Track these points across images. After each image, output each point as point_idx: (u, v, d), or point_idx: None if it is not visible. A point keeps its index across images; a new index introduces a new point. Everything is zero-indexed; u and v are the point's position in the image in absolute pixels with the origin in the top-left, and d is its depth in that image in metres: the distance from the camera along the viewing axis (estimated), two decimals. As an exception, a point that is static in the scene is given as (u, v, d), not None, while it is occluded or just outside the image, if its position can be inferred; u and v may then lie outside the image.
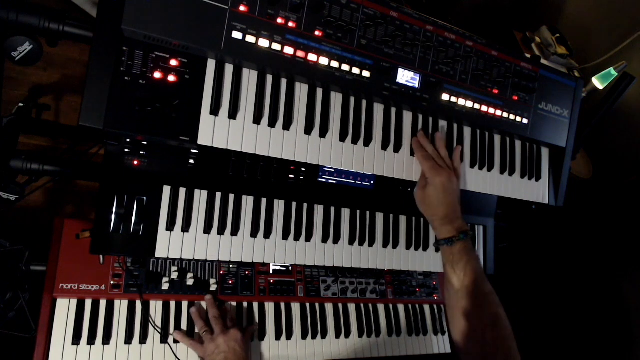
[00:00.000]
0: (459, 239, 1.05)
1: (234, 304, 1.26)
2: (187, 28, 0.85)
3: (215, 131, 0.91)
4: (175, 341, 1.15)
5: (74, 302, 1.11)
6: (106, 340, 1.10)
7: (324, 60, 0.98)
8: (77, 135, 1.66)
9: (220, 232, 1.07)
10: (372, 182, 1.30)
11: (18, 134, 1.28)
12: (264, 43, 0.92)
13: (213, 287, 1.24)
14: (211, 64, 0.92)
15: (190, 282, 1.21)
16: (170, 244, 1.02)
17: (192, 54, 0.90)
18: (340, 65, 1.00)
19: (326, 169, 1.23)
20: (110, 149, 1.00)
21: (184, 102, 0.89)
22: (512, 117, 1.24)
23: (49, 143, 2.05)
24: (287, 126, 0.98)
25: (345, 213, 1.24)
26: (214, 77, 0.92)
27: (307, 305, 1.34)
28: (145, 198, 1.01)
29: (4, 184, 1.12)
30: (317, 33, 0.97)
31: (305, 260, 1.16)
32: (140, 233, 1.00)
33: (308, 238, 1.17)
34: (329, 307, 1.37)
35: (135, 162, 1.02)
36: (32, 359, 1.04)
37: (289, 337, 1.28)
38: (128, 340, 1.12)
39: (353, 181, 1.27)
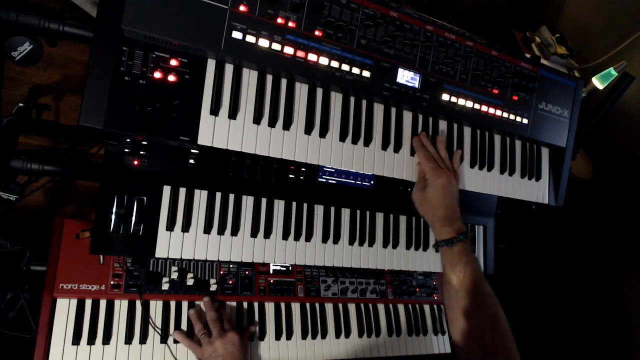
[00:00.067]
0: (459, 240, 1.05)
1: (234, 304, 1.26)
2: (187, 28, 0.85)
3: (215, 131, 0.91)
4: (175, 341, 1.16)
5: (74, 302, 1.11)
6: (106, 340, 1.10)
7: (324, 60, 0.98)
8: (77, 135, 1.66)
9: (220, 232, 1.07)
10: (372, 182, 1.30)
11: (18, 134, 1.28)
12: (264, 43, 0.92)
13: (213, 287, 1.24)
14: (211, 64, 0.92)
15: (190, 282, 1.21)
16: (170, 244, 1.02)
17: (192, 54, 0.90)
18: (340, 65, 1.00)
19: (326, 169, 1.23)
20: (110, 149, 1.00)
21: (184, 102, 0.89)
22: (512, 117, 1.24)
23: (49, 143, 2.05)
24: (287, 126, 0.98)
25: (345, 213, 1.24)
26: (214, 77, 0.92)
27: (307, 305, 1.34)
28: (145, 198, 1.01)
29: (4, 184, 1.12)
30: (317, 33, 0.97)
31: (305, 260, 1.16)
32: (140, 233, 1.00)
33: (308, 238, 1.17)
34: (329, 307, 1.37)
35: (135, 162, 1.02)
36: (32, 359, 1.04)
37: (289, 337, 1.28)
38: (128, 340, 1.12)
39: (353, 181, 1.27)
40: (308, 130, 1.00)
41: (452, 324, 1.04)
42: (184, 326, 1.18)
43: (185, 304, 1.20)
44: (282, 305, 1.31)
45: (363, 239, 1.25)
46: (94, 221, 0.97)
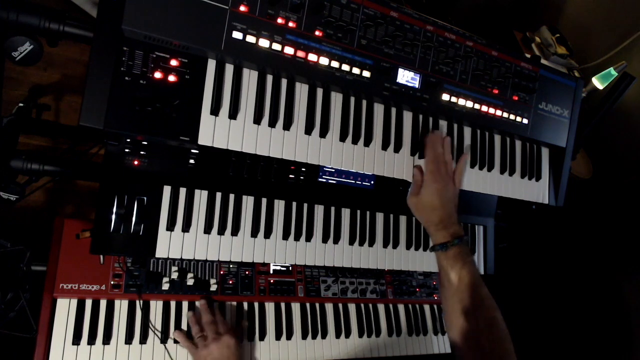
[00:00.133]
0: (453, 244, 1.05)
1: (234, 304, 1.26)
2: (187, 28, 0.85)
3: (216, 131, 0.91)
4: (176, 341, 1.15)
5: (74, 302, 1.11)
6: (106, 340, 1.10)
7: (324, 60, 0.98)
8: (77, 135, 1.67)
9: (221, 232, 1.07)
10: (372, 182, 1.30)
11: (18, 134, 1.28)
12: (264, 43, 0.92)
13: (213, 287, 1.24)
14: (211, 64, 0.92)
15: (190, 282, 1.21)
16: (171, 244, 1.02)
17: (193, 54, 0.90)
18: (340, 65, 1.00)
19: (326, 169, 1.23)
20: (110, 149, 1.00)
21: (184, 102, 0.89)
22: (512, 117, 1.24)
23: (49, 143, 2.05)
24: (287, 126, 0.98)
25: (346, 213, 1.24)
26: (214, 77, 0.92)
27: (307, 305, 1.34)
28: (145, 198, 1.01)
29: (4, 184, 1.12)
30: (317, 33, 0.97)
31: (305, 260, 1.16)
32: (141, 233, 1.00)
33: (308, 238, 1.17)
34: (329, 307, 1.37)
35: (136, 162, 1.02)
36: (32, 359, 1.04)
37: (289, 337, 1.28)
38: (128, 340, 1.12)
39: (353, 181, 1.27)
40: (308, 130, 1.00)
41: (450, 327, 1.04)
42: (184, 326, 1.18)
43: (185, 304, 1.20)
44: (282, 305, 1.31)
45: (363, 239, 1.25)
46: (94, 221, 0.98)
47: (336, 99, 1.05)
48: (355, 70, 1.02)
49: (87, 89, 0.80)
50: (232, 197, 1.11)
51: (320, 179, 1.23)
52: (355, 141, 1.05)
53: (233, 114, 0.93)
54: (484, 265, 1.47)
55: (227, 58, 0.92)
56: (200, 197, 1.07)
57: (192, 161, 1.08)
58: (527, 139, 1.31)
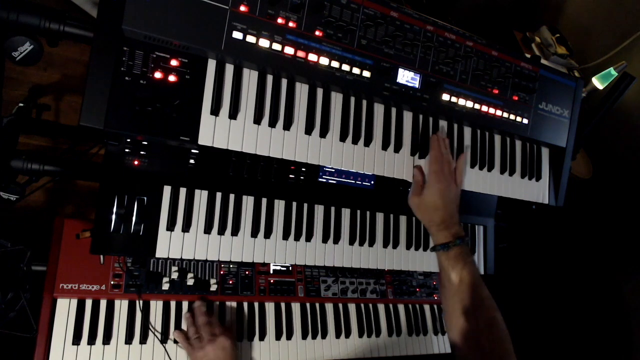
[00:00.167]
0: (455, 244, 1.05)
1: (234, 303, 1.26)
2: (187, 28, 0.85)
3: (216, 131, 0.92)
4: (176, 341, 1.15)
5: (74, 302, 1.11)
6: (106, 340, 1.10)
7: (324, 60, 0.98)
8: (77, 135, 1.66)
9: (221, 232, 1.07)
10: (372, 182, 1.30)
11: (18, 134, 1.28)
12: (264, 43, 0.92)
13: (213, 287, 1.24)
14: (212, 64, 0.92)
15: (190, 282, 1.21)
16: (171, 244, 1.02)
17: (193, 54, 0.90)
18: (340, 65, 1.00)
19: (326, 169, 1.23)
20: (110, 149, 1.00)
21: (184, 102, 0.89)
22: (512, 117, 1.24)
23: (49, 143, 2.05)
24: (287, 126, 0.98)
25: (346, 213, 1.24)
26: (214, 77, 0.92)
27: (307, 305, 1.34)
28: (145, 198, 1.01)
29: (4, 184, 1.12)
30: (317, 33, 0.97)
31: (305, 260, 1.16)
32: (141, 233, 1.00)
33: (308, 238, 1.17)
34: (329, 307, 1.37)
35: (136, 162, 1.02)
36: (32, 359, 1.04)
37: (289, 337, 1.28)
38: (128, 340, 1.12)
39: (353, 181, 1.27)
40: (308, 130, 1.00)
41: (450, 327, 1.04)
42: (184, 326, 1.18)
43: (185, 304, 1.20)
44: (282, 305, 1.31)
45: (363, 239, 1.25)
46: (94, 221, 0.98)
47: (336, 99, 1.05)
48: (356, 70, 1.02)
49: (87, 89, 0.80)
50: (232, 197, 1.11)
51: (320, 179, 1.23)
52: (355, 141, 1.05)
53: (233, 114, 0.93)
54: (484, 265, 1.47)
55: (227, 58, 0.92)
56: (200, 197, 1.07)
57: (192, 161, 1.08)
58: (527, 139, 1.31)
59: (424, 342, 1.48)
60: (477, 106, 1.18)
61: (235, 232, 1.08)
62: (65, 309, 1.09)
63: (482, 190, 1.23)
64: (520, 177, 1.29)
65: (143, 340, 1.13)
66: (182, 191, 1.05)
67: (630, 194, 2.31)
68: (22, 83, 2.08)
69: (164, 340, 1.15)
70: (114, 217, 0.98)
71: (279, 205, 1.16)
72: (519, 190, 1.29)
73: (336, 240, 1.21)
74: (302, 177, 1.20)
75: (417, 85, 1.10)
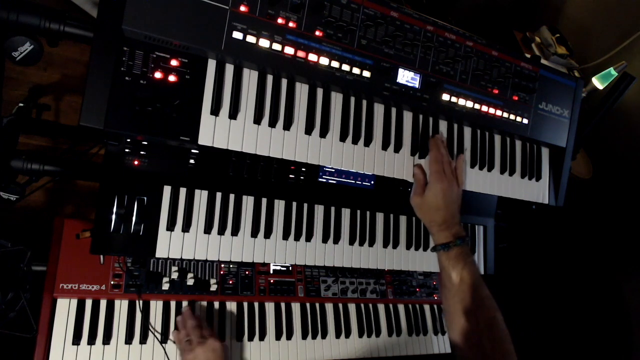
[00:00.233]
0: (456, 244, 1.05)
1: (234, 303, 1.26)
2: (187, 28, 0.85)
3: (216, 131, 0.91)
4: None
5: (74, 302, 1.11)
6: (106, 340, 1.10)
7: (324, 61, 0.98)
8: (77, 135, 1.66)
9: (221, 232, 1.07)
10: (372, 182, 1.30)
11: (18, 134, 1.28)
12: (264, 43, 0.92)
13: (213, 287, 1.24)
14: (212, 64, 0.92)
15: (190, 282, 1.21)
16: (171, 244, 1.02)
17: (193, 54, 0.90)
18: (340, 65, 1.00)
19: (326, 169, 1.23)
20: (110, 149, 1.00)
21: (184, 102, 0.89)
22: (512, 117, 1.24)
23: (49, 143, 2.05)
24: (287, 126, 0.98)
25: (346, 213, 1.24)
26: (214, 77, 0.92)
27: (307, 305, 1.34)
28: (145, 198, 1.01)
29: (4, 184, 1.12)
30: (317, 33, 0.97)
31: (305, 260, 1.16)
32: (141, 233, 1.00)
33: (308, 238, 1.17)
34: (329, 307, 1.37)
35: (136, 162, 1.02)
36: (32, 359, 1.04)
37: (289, 337, 1.28)
38: (128, 340, 1.12)
39: (353, 181, 1.27)
40: (308, 130, 1.00)
41: (450, 327, 1.04)
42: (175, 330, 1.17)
43: (185, 304, 1.20)
44: (282, 305, 1.31)
45: (363, 239, 1.25)
46: (94, 221, 0.98)
47: (336, 99, 1.05)
48: (356, 70, 1.02)
49: (87, 89, 0.80)
50: (232, 197, 1.11)
51: (320, 179, 1.23)
52: (355, 141, 1.05)
53: (233, 114, 0.93)
54: (484, 265, 1.47)
55: (228, 58, 0.92)
56: (200, 197, 1.07)
57: (192, 161, 1.08)
58: (527, 139, 1.31)
59: (424, 342, 1.48)
60: (477, 106, 1.18)
61: (235, 232, 1.08)
62: (65, 309, 1.09)
63: (482, 190, 1.23)
64: (520, 177, 1.29)
65: (143, 340, 1.13)
66: (182, 191, 1.05)
67: (630, 194, 2.31)
68: (22, 83, 2.08)
69: (163, 340, 1.15)
70: (114, 217, 0.98)
71: (279, 205, 1.16)
72: (519, 190, 1.29)
73: (336, 240, 1.21)
74: (302, 177, 1.20)
75: (417, 85, 1.10)
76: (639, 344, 2.12)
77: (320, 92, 1.03)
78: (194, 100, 0.90)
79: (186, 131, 0.89)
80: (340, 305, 1.39)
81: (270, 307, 1.30)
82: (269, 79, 0.98)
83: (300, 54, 0.96)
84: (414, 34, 1.07)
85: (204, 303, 1.22)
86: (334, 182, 1.25)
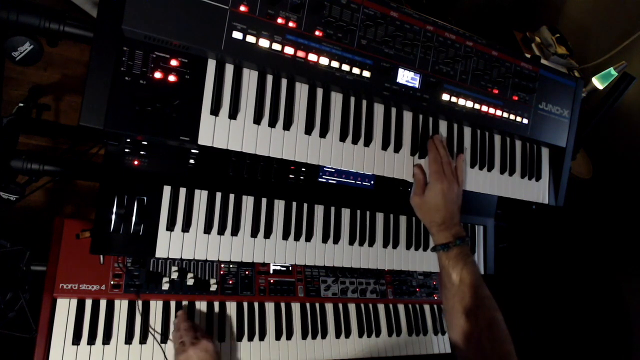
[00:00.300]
0: (455, 244, 1.06)
1: (234, 303, 1.26)
2: (187, 28, 0.85)
3: (216, 131, 0.91)
4: (176, 341, 1.15)
5: (74, 302, 1.11)
6: (106, 340, 1.10)
7: (324, 60, 0.98)
8: (77, 135, 1.67)
9: (221, 232, 1.07)
10: (372, 182, 1.30)
11: (18, 134, 1.28)
12: (264, 43, 0.92)
13: (213, 287, 1.24)
14: (211, 64, 0.92)
15: (190, 282, 1.21)
16: (171, 244, 1.02)
17: (193, 54, 0.90)
18: (340, 65, 1.00)
19: (326, 169, 1.23)
20: (110, 149, 1.00)
21: (184, 102, 0.89)
22: (512, 117, 1.24)
23: (49, 143, 2.05)
24: (287, 126, 0.98)
25: (346, 213, 1.24)
26: (214, 77, 0.92)
27: (307, 305, 1.34)
28: (145, 198, 1.01)
29: (4, 184, 1.12)
30: (317, 33, 0.97)
31: (305, 260, 1.16)
32: (141, 233, 1.00)
33: (308, 238, 1.17)
34: (329, 307, 1.37)
35: (136, 162, 1.02)
36: (32, 359, 1.04)
37: (289, 337, 1.28)
38: (128, 340, 1.12)
39: (353, 181, 1.27)
40: (308, 130, 1.00)
41: (450, 327, 1.05)
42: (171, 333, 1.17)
43: (185, 304, 1.20)
44: (282, 305, 1.31)
45: (363, 239, 1.25)
46: (94, 221, 0.98)
47: (336, 99, 1.05)
48: (355, 70, 1.02)
49: (87, 89, 0.80)
50: (232, 197, 1.11)
51: (320, 179, 1.23)
52: (355, 141, 1.05)
53: (233, 114, 0.93)
54: (484, 265, 1.47)
55: (227, 58, 0.92)
56: (200, 197, 1.07)
57: (192, 161, 1.08)
58: (527, 139, 1.31)
59: (424, 342, 1.48)
60: (477, 106, 1.18)
61: (235, 232, 1.08)
62: (65, 309, 1.09)
63: (482, 190, 1.23)
64: (520, 177, 1.29)
65: (143, 340, 1.13)
66: (182, 191, 1.05)
67: (630, 194, 2.31)
68: (22, 83, 2.08)
69: (163, 340, 1.15)
70: (114, 217, 0.98)
71: (279, 205, 1.16)
72: (519, 190, 1.29)
73: (336, 240, 1.21)
74: (302, 177, 1.20)
75: (417, 85, 1.10)
76: (639, 344, 2.12)
77: (320, 92, 1.03)
78: (194, 100, 0.90)
79: (186, 131, 0.89)
80: (340, 305, 1.39)
81: (270, 307, 1.29)
82: (269, 79, 0.98)
83: (300, 54, 0.96)
84: (414, 34, 1.07)
85: (204, 303, 1.22)
86: (334, 182, 1.25)
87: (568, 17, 2.81)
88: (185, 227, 1.03)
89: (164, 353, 1.13)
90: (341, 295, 1.40)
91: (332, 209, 1.23)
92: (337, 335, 1.34)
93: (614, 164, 2.45)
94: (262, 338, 1.25)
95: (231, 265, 1.29)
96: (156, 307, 1.18)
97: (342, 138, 1.04)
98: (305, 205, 1.19)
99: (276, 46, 0.93)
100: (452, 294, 1.03)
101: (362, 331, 1.39)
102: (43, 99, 2.10)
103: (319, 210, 1.21)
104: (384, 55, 1.05)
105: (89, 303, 1.12)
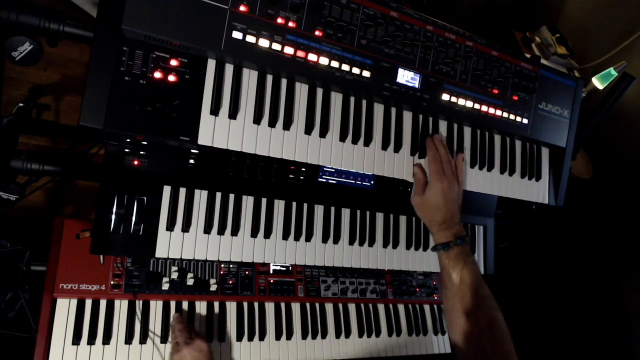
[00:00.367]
0: (456, 244, 1.06)
1: (234, 303, 1.26)
2: (187, 28, 0.85)
3: (216, 131, 0.91)
4: (175, 341, 1.15)
5: (74, 302, 1.11)
6: (106, 340, 1.10)
7: (324, 60, 0.98)
8: (77, 135, 1.67)
9: (221, 232, 1.07)
10: (372, 182, 1.30)
11: (18, 134, 1.28)
12: (264, 43, 0.92)
13: (213, 287, 1.24)
14: (211, 64, 0.92)
15: (190, 282, 1.21)
16: (171, 244, 1.02)
17: (193, 54, 0.90)
18: (340, 65, 1.00)
19: (326, 169, 1.23)
20: (110, 149, 1.00)
21: (184, 102, 0.89)
22: (512, 117, 1.24)
23: (49, 143, 2.05)
24: (287, 126, 0.98)
25: (345, 213, 1.24)
26: (214, 77, 0.92)
27: (307, 305, 1.34)
28: (145, 198, 1.01)
29: (4, 184, 1.12)
30: (317, 33, 0.97)
31: (305, 260, 1.16)
32: (141, 233, 1.00)
33: (308, 238, 1.17)
34: (329, 307, 1.37)
35: (136, 162, 1.02)
36: (32, 359, 1.04)
37: (289, 337, 1.28)
38: (128, 340, 1.12)
39: (353, 181, 1.27)
40: (308, 130, 1.00)
41: (451, 326, 1.04)
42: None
43: (185, 304, 1.20)
44: (282, 305, 1.31)
45: (363, 239, 1.25)
46: (94, 221, 0.98)
47: (336, 98, 1.05)
48: (355, 70, 1.02)
49: (87, 89, 0.80)
50: (232, 197, 1.11)
51: (320, 179, 1.23)
52: (355, 141, 1.05)
53: (233, 114, 0.93)
54: (484, 265, 1.47)
55: (227, 58, 0.92)
56: (200, 197, 1.07)
57: (192, 161, 1.08)
58: (527, 139, 1.31)
59: (424, 342, 1.48)
60: (477, 106, 1.18)
61: (235, 232, 1.08)
62: (65, 309, 1.09)
63: (482, 190, 1.23)
64: (520, 177, 1.29)
65: (143, 340, 1.13)
66: (182, 191, 1.05)
67: (630, 194, 2.31)
68: (22, 83, 2.08)
69: (163, 341, 1.15)
70: (113, 217, 0.98)
71: (279, 205, 1.16)
72: (519, 190, 1.29)
73: (336, 240, 1.21)
74: (302, 177, 1.20)
75: (417, 85, 1.10)
76: (639, 344, 2.12)
77: (320, 92, 1.03)
78: (194, 100, 0.90)
79: (186, 131, 0.89)
80: (340, 305, 1.39)
81: (270, 307, 1.29)
82: (269, 78, 0.98)
83: (300, 53, 0.96)
84: (413, 34, 1.07)
85: (204, 303, 1.22)
86: (334, 182, 1.25)
87: (568, 17, 2.81)
88: (185, 227, 1.03)
89: (164, 353, 1.13)
90: (341, 295, 1.40)
91: (332, 209, 1.23)
92: (337, 335, 1.34)
93: (614, 164, 2.45)
94: (262, 338, 1.25)
95: (231, 265, 1.29)
96: (156, 307, 1.18)
97: (342, 138, 1.04)
98: (305, 205, 1.19)
99: (276, 46, 0.93)
100: (452, 293, 1.03)
101: (362, 331, 1.39)
102: (43, 99, 2.10)
103: (319, 210, 1.21)
104: (383, 55, 1.05)
105: (89, 303, 1.12)
